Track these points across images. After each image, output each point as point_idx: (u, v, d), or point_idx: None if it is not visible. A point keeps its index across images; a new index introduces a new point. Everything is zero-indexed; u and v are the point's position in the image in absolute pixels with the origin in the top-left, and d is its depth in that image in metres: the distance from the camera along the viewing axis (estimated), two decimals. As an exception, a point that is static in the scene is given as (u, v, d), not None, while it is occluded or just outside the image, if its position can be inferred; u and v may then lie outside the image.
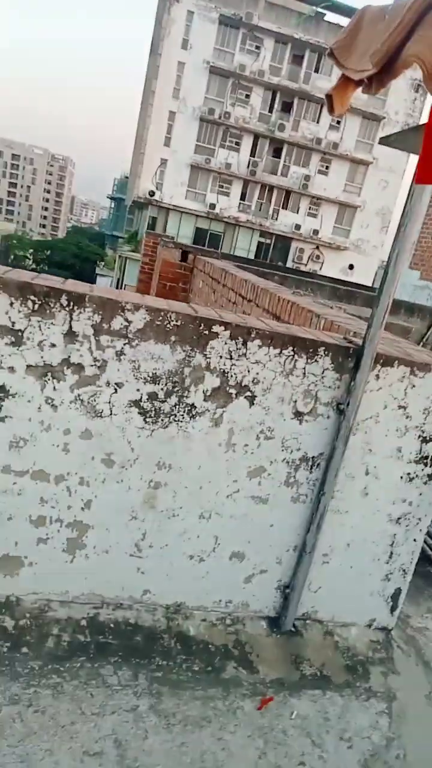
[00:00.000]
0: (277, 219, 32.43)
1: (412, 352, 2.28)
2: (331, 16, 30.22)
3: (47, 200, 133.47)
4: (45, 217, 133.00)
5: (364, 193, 35.61)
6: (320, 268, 31.07)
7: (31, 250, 60.65)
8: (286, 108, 31.73)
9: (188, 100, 30.09)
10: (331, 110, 1.54)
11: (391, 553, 2.41)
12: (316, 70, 30.46)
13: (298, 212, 32.74)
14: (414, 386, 2.22)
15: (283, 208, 32.67)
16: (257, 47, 29.82)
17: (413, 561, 2.45)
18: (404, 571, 2.45)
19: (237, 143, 31.41)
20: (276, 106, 31.58)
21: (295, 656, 2.28)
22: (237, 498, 2.22)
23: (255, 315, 3.86)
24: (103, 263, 54.18)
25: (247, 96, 30.98)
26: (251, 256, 29.07)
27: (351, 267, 32.89)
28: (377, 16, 1.35)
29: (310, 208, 32.75)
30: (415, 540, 2.40)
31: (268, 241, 32.80)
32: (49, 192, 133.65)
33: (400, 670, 2.39)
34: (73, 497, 2.08)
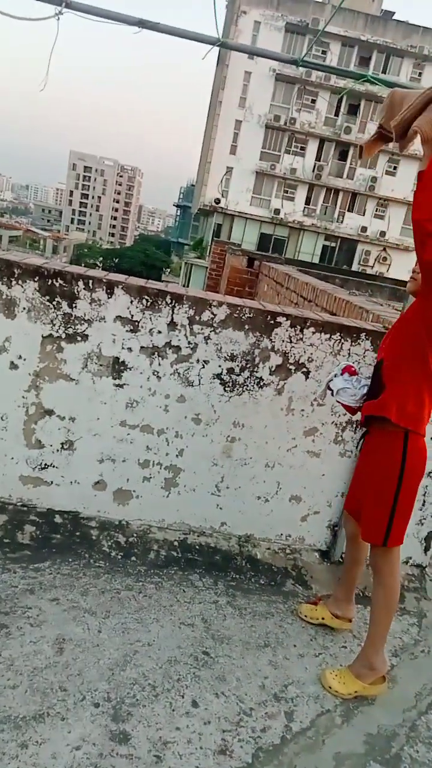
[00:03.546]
0: (342, 222, 32.54)
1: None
2: (399, 15, 30.09)
3: (116, 210, 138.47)
4: (114, 226, 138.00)
5: (432, 192, 34.80)
6: (387, 270, 30.88)
7: (101, 258, 63.32)
8: (353, 110, 31.85)
9: (254, 108, 30.82)
10: (360, 156, 2.13)
11: (424, 501, 2.94)
12: (384, 71, 30.41)
13: (364, 214, 32.72)
14: (439, 364, 2.75)
15: (348, 210, 32.74)
16: (323, 52, 30.09)
17: (442, 510, 2.96)
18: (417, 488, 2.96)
19: (302, 148, 31.84)
20: (342, 109, 31.76)
21: (341, 580, 2.85)
22: (295, 452, 2.83)
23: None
24: (168, 270, 55.86)
25: (313, 101, 31.34)
26: (316, 260, 29.38)
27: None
28: (403, 95, 1.93)
29: (376, 210, 32.64)
30: (443, 492, 2.92)
31: (333, 244, 32.95)
32: (118, 202, 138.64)
33: (431, 597, 2.91)
34: (170, 446, 2.77)
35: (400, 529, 2.10)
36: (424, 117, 1.79)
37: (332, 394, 2.33)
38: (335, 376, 2.31)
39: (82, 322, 2.58)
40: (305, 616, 2.52)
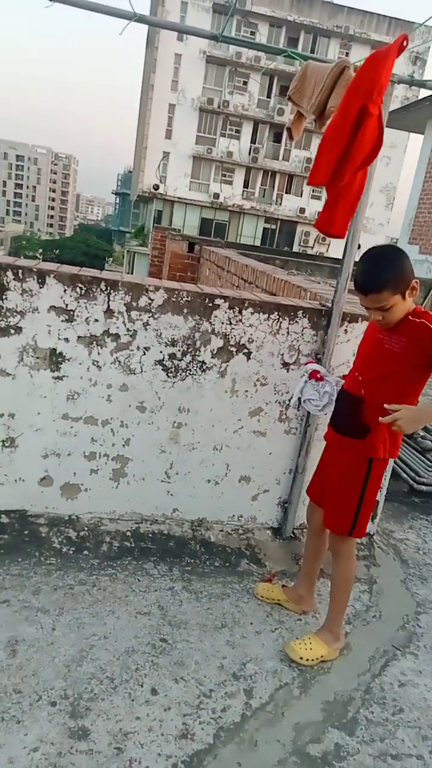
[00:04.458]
0: (281, 204, 32.77)
1: (373, 311, 2.87)
2: (324, -4, 30.33)
3: (53, 199, 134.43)
4: (52, 216, 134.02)
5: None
6: (327, 250, 31.36)
7: (41, 250, 61.43)
8: (284, 92, 31.90)
9: (187, 91, 30.44)
10: (291, 138, 2.14)
11: (368, 473, 3.01)
12: (312, 51, 30.57)
13: (301, 195, 33.04)
14: (376, 338, 2.81)
15: (286, 192, 32.99)
16: (252, 33, 29.93)
17: (386, 478, 3.05)
18: (380, 486, 3.05)
19: (237, 131, 31.74)
20: (274, 90, 31.80)
21: (295, 555, 2.91)
22: (242, 433, 2.84)
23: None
24: (111, 259, 54.84)
25: (245, 83, 31.24)
26: (257, 243, 29.51)
27: (358, 247, 33.16)
28: (315, 68, 1.93)
29: (313, 191, 32.98)
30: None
31: (273, 226, 33.16)
32: (54, 191, 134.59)
33: (380, 564, 3.01)
34: (116, 437, 2.72)
35: (365, 520, 2.17)
36: (338, 96, 1.80)
37: (299, 401, 2.36)
38: (305, 382, 2.33)
39: (14, 314, 2.48)
40: (261, 596, 2.55)
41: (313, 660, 2.19)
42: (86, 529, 2.76)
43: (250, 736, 1.86)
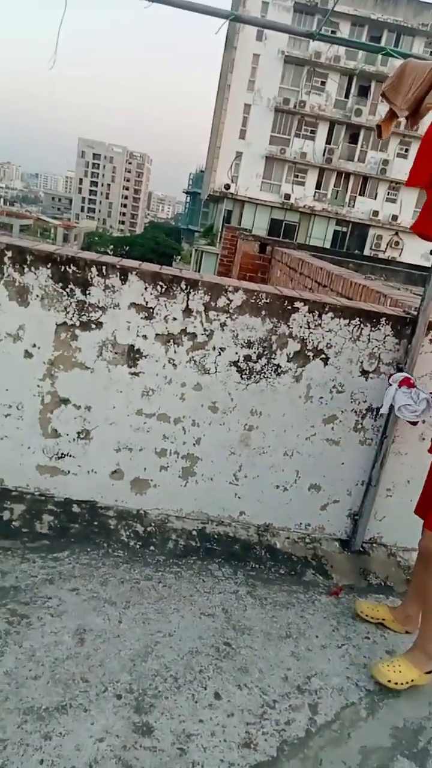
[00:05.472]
0: (353, 206, 32.09)
1: (461, 321, 2.73)
2: (410, -7, 29.40)
3: (126, 197, 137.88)
4: (124, 214, 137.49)
5: (446, 174, 34.16)
6: (399, 255, 30.46)
7: (111, 246, 63.14)
8: (363, 92, 31.26)
9: (263, 91, 30.37)
10: (379, 136, 2.06)
11: (445, 490, 2.87)
12: (395, 50, 29.71)
13: (375, 198, 32.23)
14: (463, 349, 2.67)
15: (360, 194, 32.28)
16: (333, 32, 29.43)
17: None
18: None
19: (312, 131, 31.37)
20: (353, 90, 31.19)
21: (363, 569, 2.82)
22: (314, 440, 2.78)
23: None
24: (179, 257, 55.62)
25: (323, 83, 30.82)
26: (327, 245, 29.05)
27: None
28: (415, 66, 1.85)
29: (388, 194, 32.13)
30: (466, 480, 2.85)
31: (344, 229, 32.54)
32: (127, 189, 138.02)
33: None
34: (187, 435, 2.73)
35: None
36: None
37: (394, 410, 2.30)
38: (396, 390, 2.27)
39: (96, 309, 2.54)
40: (366, 615, 2.46)
41: (403, 684, 2.08)
42: (153, 524, 2.79)
43: (315, 753, 1.81)
